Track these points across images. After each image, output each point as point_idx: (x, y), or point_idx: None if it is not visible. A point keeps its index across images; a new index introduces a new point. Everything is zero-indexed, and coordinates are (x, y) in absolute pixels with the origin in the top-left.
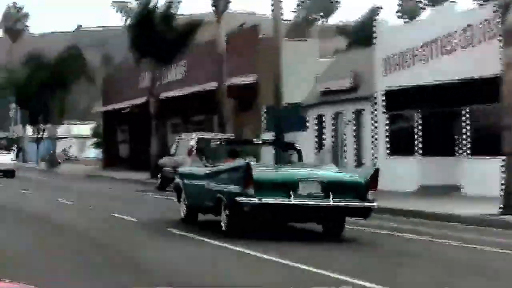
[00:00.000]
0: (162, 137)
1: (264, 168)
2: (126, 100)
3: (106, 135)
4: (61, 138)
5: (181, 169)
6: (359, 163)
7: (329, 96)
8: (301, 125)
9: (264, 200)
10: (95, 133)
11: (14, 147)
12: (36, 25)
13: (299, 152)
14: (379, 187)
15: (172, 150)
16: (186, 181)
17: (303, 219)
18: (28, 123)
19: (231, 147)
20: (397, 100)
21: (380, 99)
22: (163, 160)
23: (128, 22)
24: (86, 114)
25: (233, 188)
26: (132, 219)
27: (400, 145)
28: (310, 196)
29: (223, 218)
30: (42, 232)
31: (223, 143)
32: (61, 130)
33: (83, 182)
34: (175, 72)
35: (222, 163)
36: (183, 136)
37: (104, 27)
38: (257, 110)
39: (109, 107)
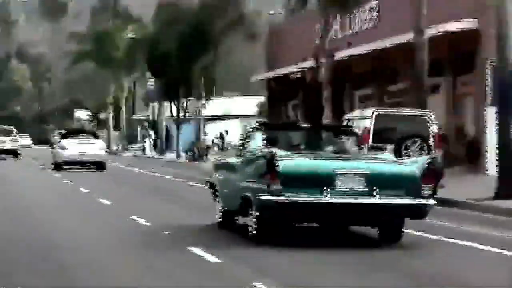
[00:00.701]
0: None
1: (296, 158)
2: (297, 63)
3: (271, 113)
4: (213, 118)
5: (215, 160)
6: None
7: None
8: None
9: (292, 198)
10: (262, 111)
11: (151, 133)
12: None
13: (357, 137)
14: None
15: None
16: (219, 176)
17: (341, 220)
18: (165, 99)
19: (268, 133)
20: None
21: None
22: None
23: None
24: (248, 85)
25: (257, 183)
26: None
27: None
28: (349, 192)
29: (251, 220)
30: None
31: (262, 127)
32: (213, 107)
33: None
34: (360, 19)
35: (255, 152)
36: (355, 113)
37: None
38: (479, 72)
39: (275, 73)
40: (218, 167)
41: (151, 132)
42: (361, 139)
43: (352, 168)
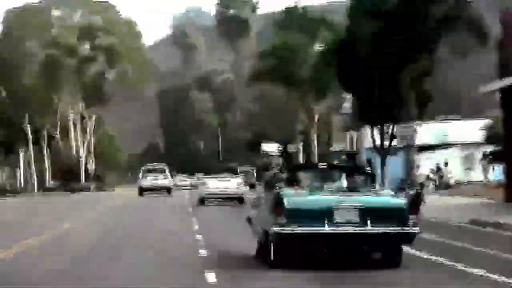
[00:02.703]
0: None
1: (300, 196)
2: None
3: (509, 138)
4: (424, 148)
5: (251, 198)
6: None
7: None
8: None
9: (296, 230)
10: (490, 137)
11: (367, 167)
12: None
13: (371, 176)
14: None
15: None
16: (253, 211)
17: (340, 248)
18: (365, 123)
19: (289, 174)
20: None
21: None
22: None
23: None
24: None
25: (269, 218)
26: None
27: None
28: (346, 223)
29: (270, 248)
30: None
31: (282, 170)
32: (423, 134)
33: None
34: None
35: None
36: None
37: None
38: None
39: None
40: (252, 203)
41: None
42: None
43: (348, 202)
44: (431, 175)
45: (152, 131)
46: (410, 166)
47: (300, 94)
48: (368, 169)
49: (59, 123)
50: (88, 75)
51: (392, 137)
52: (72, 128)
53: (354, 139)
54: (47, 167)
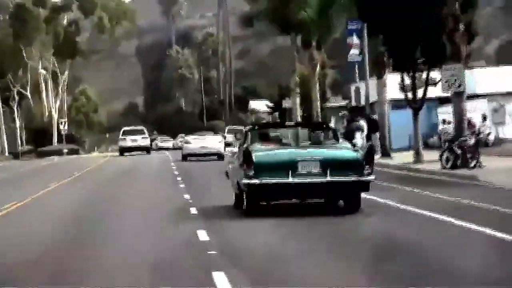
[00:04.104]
0: None
1: (266, 151)
2: None
3: None
4: (445, 100)
5: (229, 154)
6: None
7: None
8: None
9: (263, 181)
10: None
11: (363, 124)
12: None
13: (333, 131)
14: None
15: None
16: (229, 166)
17: (303, 196)
18: (396, 66)
19: (260, 131)
20: None
21: None
22: None
23: None
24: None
25: (240, 171)
26: None
27: None
28: (308, 174)
29: (243, 198)
30: None
31: (255, 127)
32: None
33: None
34: None
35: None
36: None
37: None
38: None
39: None
40: (229, 160)
41: (363, 124)
42: None
43: (310, 155)
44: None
45: (132, 90)
46: (458, 119)
47: (302, 39)
48: (330, 124)
49: (29, 79)
50: (60, 24)
51: (427, 84)
52: (43, 86)
53: (362, 92)
54: (17, 129)
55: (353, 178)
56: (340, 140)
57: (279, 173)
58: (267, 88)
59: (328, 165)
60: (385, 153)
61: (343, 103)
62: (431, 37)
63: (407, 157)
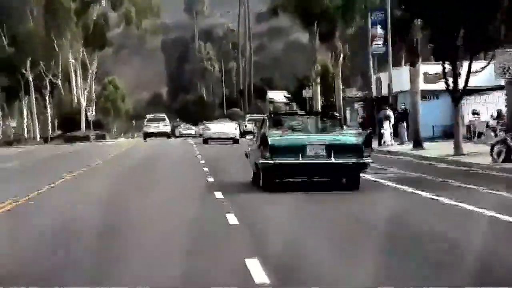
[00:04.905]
0: None
1: (280, 135)
2: None
3: None
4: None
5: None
6: None
7: None
8: None
9: (277, 161)
10: None
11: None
12: None
13: (339, 120)
14: None
15: None
16: (249, 149)
17: (311, 175)
18: (438, 55)
19: (276, 118)
20: None
21: None
22: None
23: None
24: None
25: (257, 152)
26: None
27: None
28: (316, 156)
29: (259, 176)
30: None
31: (272, 115)
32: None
33: None
34: None
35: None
36: None
37: None
38: None
39: None
40: (248, 143)
41: (390, 113)
42: None
43: (318, 140)
44: (491, 122)
45: (157, 82)
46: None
47: (323, 30)
48: (336, 114)
49: (60, 69)
50: (90, 17)
51: (469, 72)
52: (73, 75)
53: (383, 82)
54: (49, 116)
55: (353, 160)
56: (345, 127)
57: (291, 155)
58: (282, 80)
59: (332, 148)
60: (418, 144)
61: (358, 94)
62: (481, 18)
63: (441, 148)
